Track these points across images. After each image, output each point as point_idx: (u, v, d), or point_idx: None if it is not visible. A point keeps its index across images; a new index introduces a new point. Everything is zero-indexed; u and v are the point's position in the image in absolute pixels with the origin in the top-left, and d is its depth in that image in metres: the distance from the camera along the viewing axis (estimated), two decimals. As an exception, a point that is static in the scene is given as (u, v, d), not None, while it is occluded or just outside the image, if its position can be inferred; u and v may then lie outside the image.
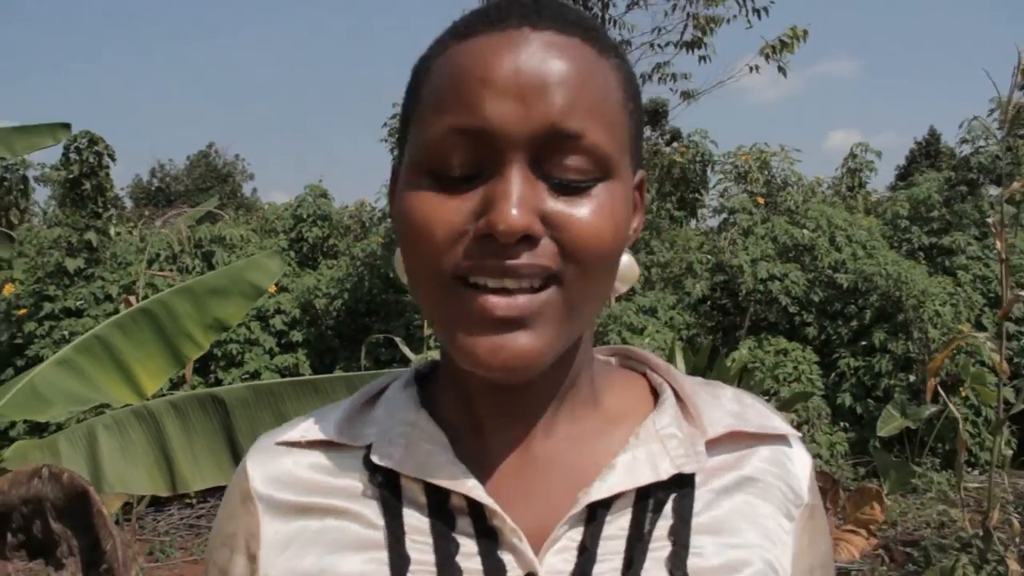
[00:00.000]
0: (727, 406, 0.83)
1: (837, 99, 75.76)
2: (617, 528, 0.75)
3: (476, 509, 0.76)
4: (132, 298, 4.19)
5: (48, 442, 2.67)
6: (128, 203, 33.12)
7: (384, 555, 0.76)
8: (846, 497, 3.68)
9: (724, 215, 10.83)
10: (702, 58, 10.04)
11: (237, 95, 78.02)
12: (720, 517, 0.77)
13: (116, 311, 9.05)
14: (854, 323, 9.04)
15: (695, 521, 0.76)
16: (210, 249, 9.93)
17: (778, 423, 0.83)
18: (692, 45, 9.95)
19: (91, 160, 9.53)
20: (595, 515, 0.75)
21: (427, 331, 7.33)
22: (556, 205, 0.69)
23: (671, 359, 3.22)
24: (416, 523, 0.76)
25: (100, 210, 9.57)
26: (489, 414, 0.80)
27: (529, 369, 0.70)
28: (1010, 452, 7.99)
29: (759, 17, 9.52)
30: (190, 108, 75.72)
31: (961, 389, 7.71)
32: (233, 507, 0.84)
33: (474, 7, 0.78)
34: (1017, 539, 3.91)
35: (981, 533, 3.78)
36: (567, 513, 0.75)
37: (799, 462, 0.83)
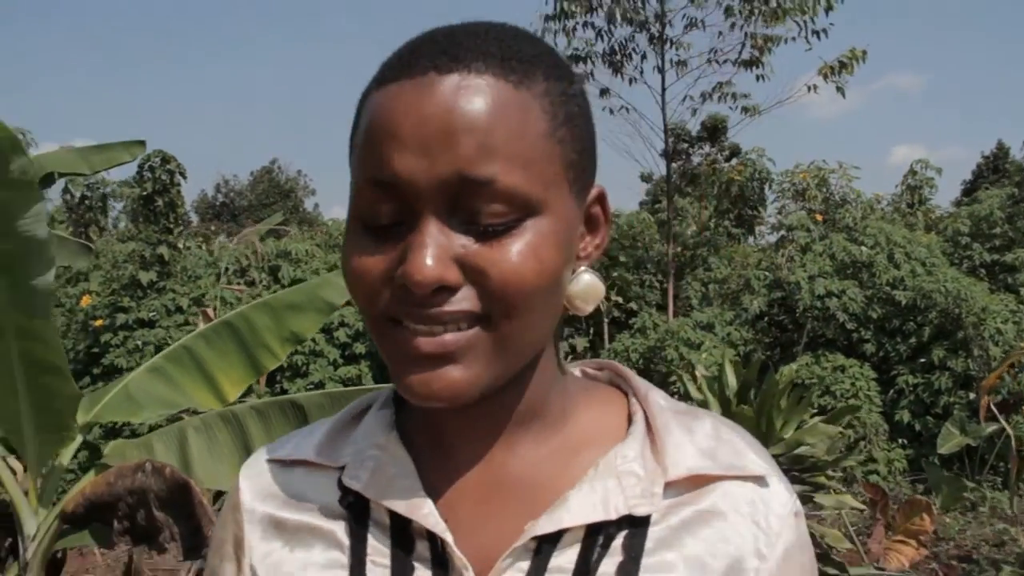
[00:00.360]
0: (700, 442, 0.80)
1: (901, 114, 74.48)
2: (564, 562, 0.75)
3: (433, 535, 0.77)
4: (209, 310, 4.42)
5: (143, 441, 2.91)
6: (193, 217, 33.96)
7: (345, 575, 0.79)
8: (896, 509, 3.76)
9: (782, 232, 10.86)
10: (759, 77, 10.12)
11: (300, 111, 79.57)
12: (674, 555, 0.76)
13: (187, 322, 9.44)
14: (913, 340, 9.01)
15: (645, 560, 0.75)
16: (276, 263, 10.27)
17: (752, 462, 0.80)
18: (750, 64, 10.04)
19: (163, 178, 9.92)
20: (542, 548, 0.75)
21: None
22: (474, 250, 0.69)
23: (722, 374, 3.36)
24: (379, 545, 0.79)
25: (171, 225, 9.97)
26: (452, 436, 0.81)
27: (460, 398, 0.71)
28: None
29: (818, 38, 9.58)
30: (254, 124, 77.42)
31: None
32: (225, 517, 0.89)
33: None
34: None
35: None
36: (513, 544, 0.76)
37: (775, 501, 0.79)
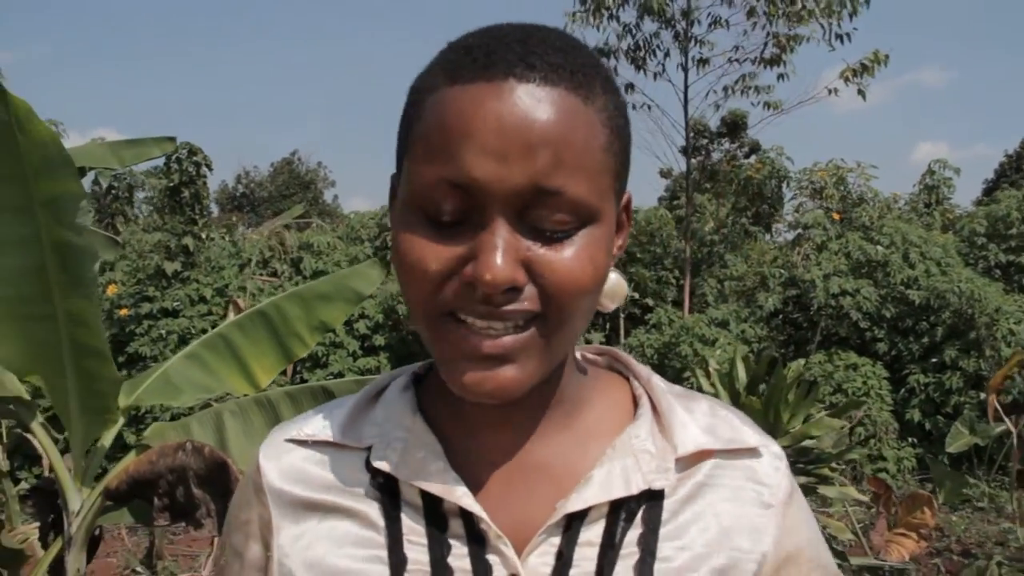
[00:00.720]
0: (700, 420, 0.87)
1: (926, 110, 73.78)
2: (592, 535, 0.81)
3: (467, 513, 0.81)
4: (240, 300, 4.58)
5: (182, 424, 3.09)
6: (214, 208, 34.14)
7: (384, 554, 0.82)
8: (898, 502, 3.89)
9: (799, 230, 10.95)
10: (781, 76, 10.21)
11: (321, 102, 79.89)
12: (685, 523, 0.83)
13: (210, 312, 9.64)
14: (925, 340, 9.11)
15: (663, 530, 0.82)
16: (298, 255, 10.44)
17: (748, 435, 0.88)
18: (771, 63, 10.13)
19: (190, 170, 10.11)
20: (571, 524, 0.81)
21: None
22: (538, 253, 0.73)
23: (733, 368, 3.49)
24: (412, 524, 0.82)
25: (196, 217, 10.15)
26: (481, 423, 0.85)
27: (511, 396, 0.76)
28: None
29: (841, 42, 9.67)
30: (275, 114, 77.78)
31: (1034, 408, 7.73)
32: (247, 497, 0.90)
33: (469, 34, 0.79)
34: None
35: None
36: (547, 521, 0.81)
37: (769, 463, 0.88)
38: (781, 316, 10.01)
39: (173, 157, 10.04)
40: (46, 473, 3.67)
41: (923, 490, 7.67)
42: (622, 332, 9.93)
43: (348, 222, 12.65)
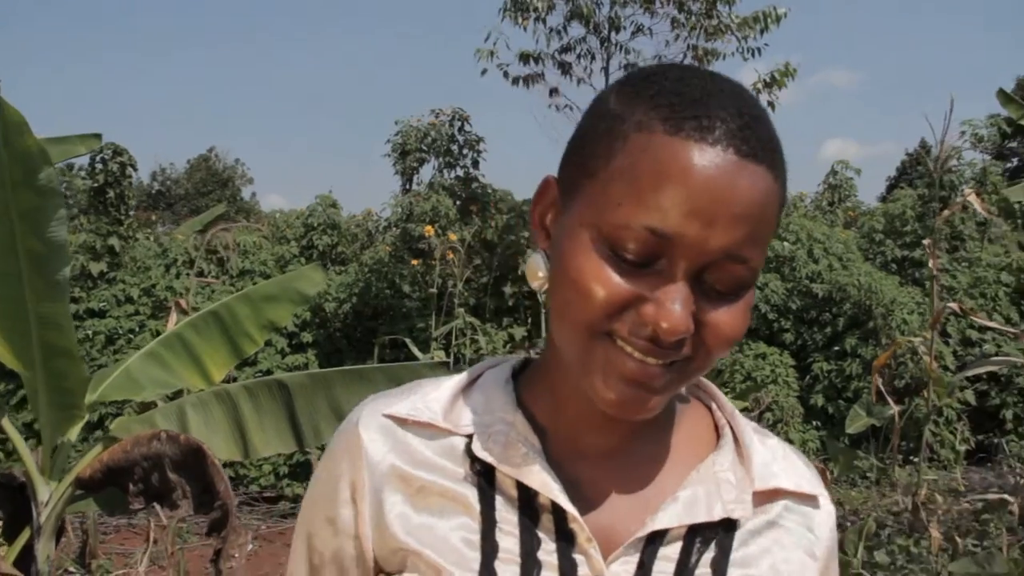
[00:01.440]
0: (777, 462, 0.93)
1: (836, 109, 76.20)
2: (670, 552, 0.85)
3: (558, 511, 0.85)
4: (182, 301, 4.78)
5: (146, 417, 3.31)
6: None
7: (477, 539, 0.85)
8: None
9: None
10: (697, 87, 10.59)
11: (236, 97, 78.57)
12: (751, 553, 0.88)
13: (137, 312, 9.67)
14: (828, 330, 9.70)
15: (733, 556, 0.86)
16: (225, 255, 10.49)
17: (809, 482, 0.94)
18: (689, 74, 10.50)
19: (115, 170, 10.11)
20: (654, 539, 0.85)
21: (434, 332, 7.98)
22: (706, 310, 0.77)
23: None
24: (506, 514, 0.85)
25: (122, 217, 10.15)
26: (583, 428, 0.89)
27: (646, 418, 0.81)
28: (964, 448, 8.65)
29: (753, 56, 10.14)
30: (190, 110, 76.25)
31: (924, 391, 8.32)
32: (339, 466, 0.92)
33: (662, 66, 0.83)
34: (940, 513, 4.57)
35: (910, 507, 4.43)
36: (634, 534, 0.85)
37: (824, 512, 0.94)
38: (695, 309, 10.47)
39: (98, 157, 10.03)
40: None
41: (828, 468, 8.23)
42: (543, 326, 10.26)
43: (273, 221, 12.69)
